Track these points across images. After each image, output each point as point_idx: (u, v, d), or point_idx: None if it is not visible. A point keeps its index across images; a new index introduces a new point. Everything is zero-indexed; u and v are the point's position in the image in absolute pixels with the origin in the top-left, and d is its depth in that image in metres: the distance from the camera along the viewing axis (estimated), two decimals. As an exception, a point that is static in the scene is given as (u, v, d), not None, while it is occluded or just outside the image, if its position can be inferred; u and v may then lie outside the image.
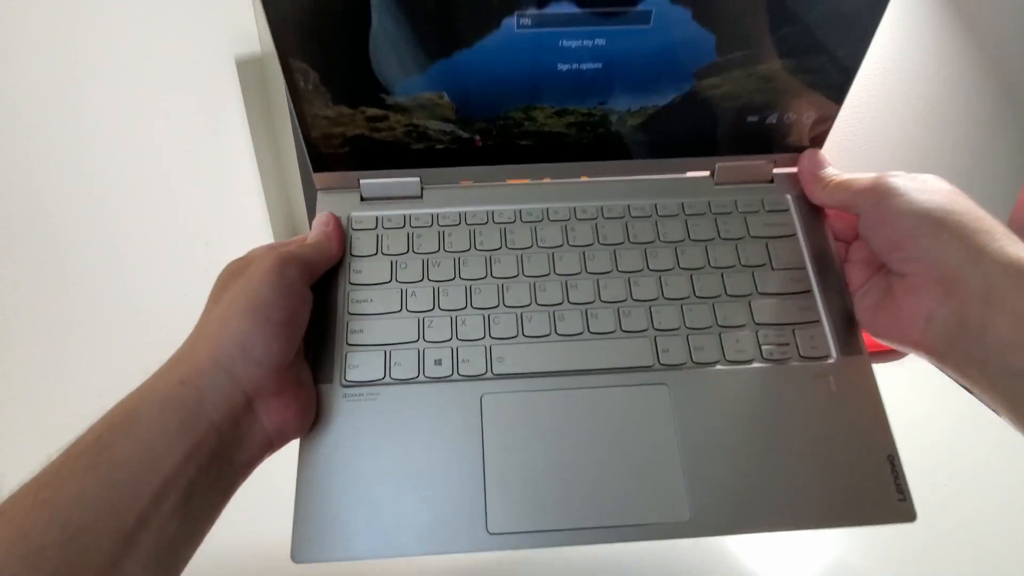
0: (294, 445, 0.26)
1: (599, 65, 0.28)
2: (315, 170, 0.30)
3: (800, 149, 0.32)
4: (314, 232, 0.29)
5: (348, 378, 0.28)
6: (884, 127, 0.65)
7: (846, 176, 0.30)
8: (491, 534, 0.25)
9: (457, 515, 0.25)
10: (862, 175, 0.29)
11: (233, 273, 0.25)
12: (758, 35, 0.28)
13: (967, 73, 0.63)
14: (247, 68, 0.58)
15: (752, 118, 0.31)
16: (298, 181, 0.61)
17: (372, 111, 0.28)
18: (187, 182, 0.49)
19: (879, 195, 0.27)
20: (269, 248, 0.26)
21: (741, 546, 0.37)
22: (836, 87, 0.30)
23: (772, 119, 0.31)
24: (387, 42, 0.26)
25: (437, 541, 0.25)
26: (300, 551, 0.25)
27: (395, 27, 0.26)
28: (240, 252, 0.26)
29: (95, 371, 0.39)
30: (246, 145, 0.59)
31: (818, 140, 0.32)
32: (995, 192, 0.70)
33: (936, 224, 0.25)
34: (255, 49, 0.60)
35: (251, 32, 0.59)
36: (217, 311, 0.24)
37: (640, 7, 0.26)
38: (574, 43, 0.27)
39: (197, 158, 0.50)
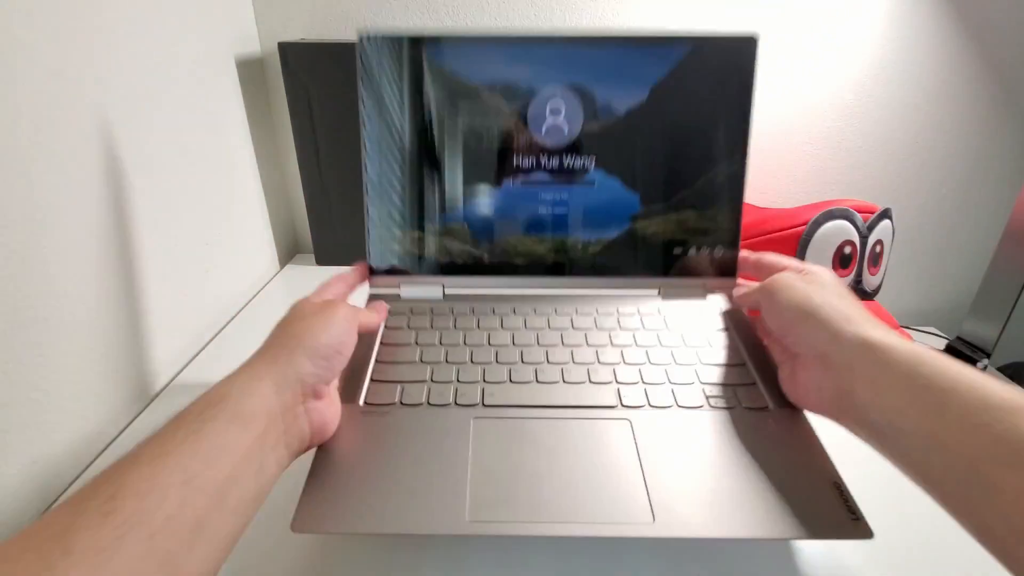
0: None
1: (565, 210, 0.43)
2: (371, 274, 0.44)
3: (722, 273, 0.44)
4: (369, 309, 0.40)
5: (368, 401, 0.35)
6: (884, 127, 0.65)
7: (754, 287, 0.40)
8: (470, 521, 0.28)
9: (442, 505, 0.29)
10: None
11: (311, 310, 0.34)
12: (666, 196, 0.43)
13: (967, 73, 0.62)
14: (247, 68, 0.58)
15: (678, 250, 0.44)
16: (298, 182, 0.62)
17: (417, 234, 0.43)
18: (186, 182, 0.49)
19: (767, 293, 0.36)
20: (347, 304, 0.36)
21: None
22: (729, 231, 0.44)
23: (692, 252, 0.44)
24: (434, 190, 0.43)
25: (422, 523, 0.28)
26: (300, 522, 0.28)
27: (441, 183, 0.43)
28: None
29: (94, 370, 0.40)
30: (246, 145, 0.59)
31: (730, 268, 0.44)
32: (995, 192, 0.68)
33: (806, 315, 0.32)
34: (255, 49, 0.60)
35: (251, 32, 0.60)
36: (299, 328, 0.32)
37: (587, 177, 0.43)
38: (548, 196, 0.43)
39: (197, 158, 0.50)
